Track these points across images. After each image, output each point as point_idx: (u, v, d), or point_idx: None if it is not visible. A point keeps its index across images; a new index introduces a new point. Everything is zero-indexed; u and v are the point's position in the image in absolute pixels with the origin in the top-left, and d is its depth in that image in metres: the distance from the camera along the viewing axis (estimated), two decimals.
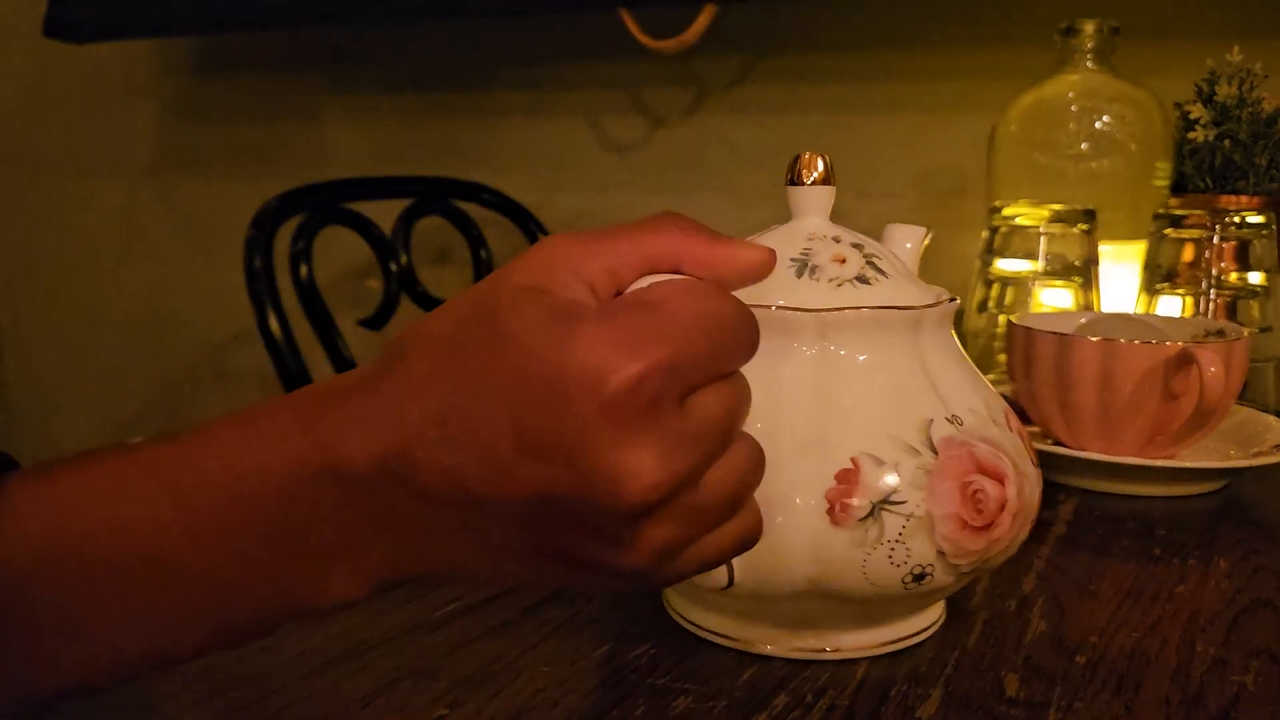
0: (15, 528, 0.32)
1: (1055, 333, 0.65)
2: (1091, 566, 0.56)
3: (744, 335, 0.33)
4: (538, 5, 1.36)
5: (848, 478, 0.39)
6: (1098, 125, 0.94)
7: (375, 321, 1.24)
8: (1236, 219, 0.85)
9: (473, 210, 1.42)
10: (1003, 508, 0.41)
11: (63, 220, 2.06)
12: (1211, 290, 0.84)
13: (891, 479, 0.39)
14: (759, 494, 0.35)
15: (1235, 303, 0.85)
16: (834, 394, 0.41)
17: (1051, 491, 0.66)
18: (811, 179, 0.45)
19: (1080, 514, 0.64)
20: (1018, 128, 0.95)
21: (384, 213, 1.33)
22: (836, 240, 0.43)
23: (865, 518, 0.39)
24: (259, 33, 1.67)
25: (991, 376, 0.55)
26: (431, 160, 1.61)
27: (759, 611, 0.44)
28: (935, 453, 0.40)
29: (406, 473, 0.32)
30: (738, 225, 1.31)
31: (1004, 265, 0.88)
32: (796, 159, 0.45)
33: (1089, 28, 0.93)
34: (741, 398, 0.34)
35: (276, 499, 0.32)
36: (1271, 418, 0.71)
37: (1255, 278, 0.84)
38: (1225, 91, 0.89)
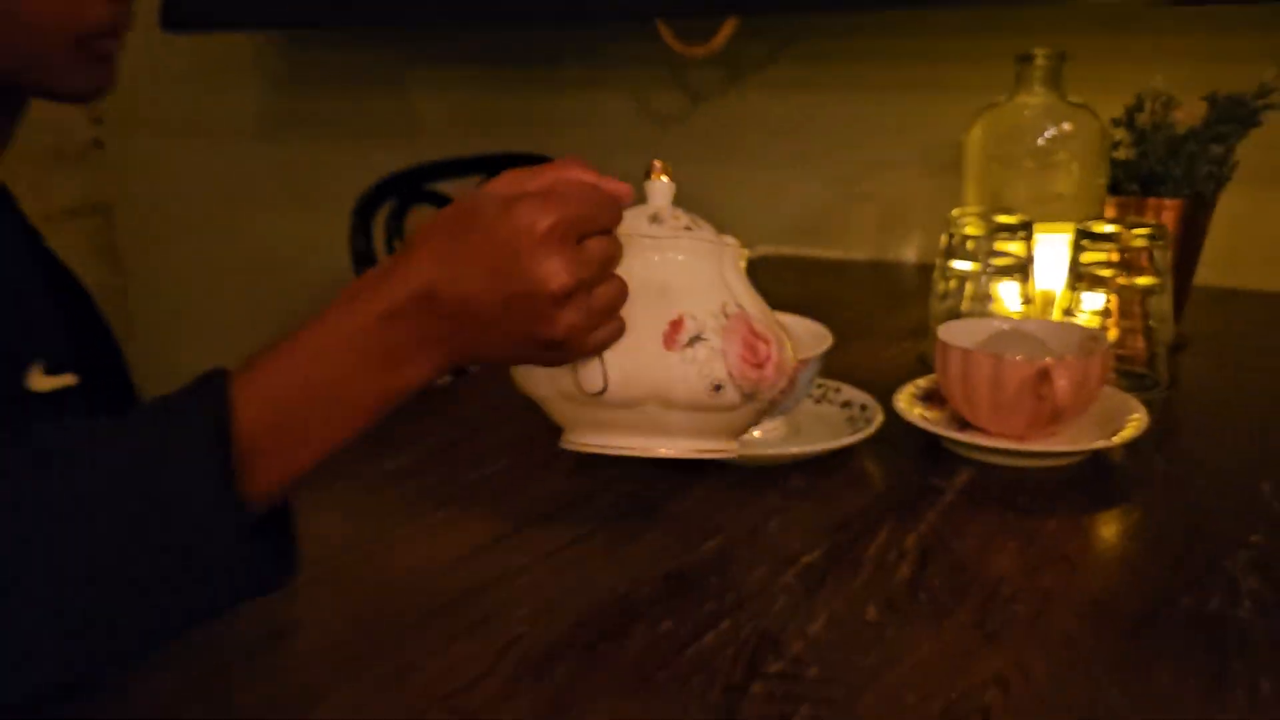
0: (252, 388, 0.50)
1: (961, 348, 0.77)
2: (971, 513, 0.71)
3: (610, 210, 0.55)
4: (586, 14, 1.45)
5: (676, 324, 0.58)
6: (1043, 141, 1.01)
7: None
8: (1137, 233, 0.89)
9: None
10: (768, 358, 0.60)
11: (182, 176, 2.19)
12: (1118, 290, 0.90)
13: (700, 327, 0.58)
14: (627, 332, 0.57)
15: (1146, 298, 0.91)
16: (670, 282, 0.60)
17: (955, 460, 0.79)
18: (660, 178, 0.64)
19: (973, 480, 0.76)
20: (980, 144, 1.04)
21: (462, 189, 1.46)
22: (674, 215, 0.63)
23: (685, 346, 0.58)
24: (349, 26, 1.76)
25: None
26: (500, 127, 1.75)
27: (625, 421, 0.61)
28: (727, 318, 0.59)
29: (431, 303, 0.52)
30: (767, 190, 1.50)
31: (957, 265, 0.96)
32: (651, 166, 0.65)
33: (1040, 56, 1.00)
34: (615, 248, 0.56)
35: (373, 334, 0.52)
36: (1136, 402, 0.80)
37: (1153, 279, 0.90)
38: (1143, 119, 0.99)
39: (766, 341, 0.62)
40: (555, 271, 0.52)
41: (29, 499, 0.46)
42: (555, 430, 0.66)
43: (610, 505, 0.74)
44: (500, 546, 0.69)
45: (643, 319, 0.59)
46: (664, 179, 0.64)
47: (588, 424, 0.63)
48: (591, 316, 0.56)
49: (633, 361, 0.59)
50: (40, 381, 0.66)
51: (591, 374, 0.59)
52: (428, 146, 1.70)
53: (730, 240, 0.65)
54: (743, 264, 0.65)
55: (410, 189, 1.38)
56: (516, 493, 0.77)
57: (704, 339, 0.59)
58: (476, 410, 0.92)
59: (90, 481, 0.47)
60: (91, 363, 0.74)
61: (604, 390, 0.59)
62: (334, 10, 1.59)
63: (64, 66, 0.69)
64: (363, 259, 1.31)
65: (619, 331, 0.58)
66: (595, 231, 0.55)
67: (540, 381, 0.63)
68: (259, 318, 2.11)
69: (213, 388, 0.49)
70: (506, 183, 0.55)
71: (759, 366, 0.60)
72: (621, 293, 0.57)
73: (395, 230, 1.36)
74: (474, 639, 0.58)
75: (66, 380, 0.68)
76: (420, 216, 1.39)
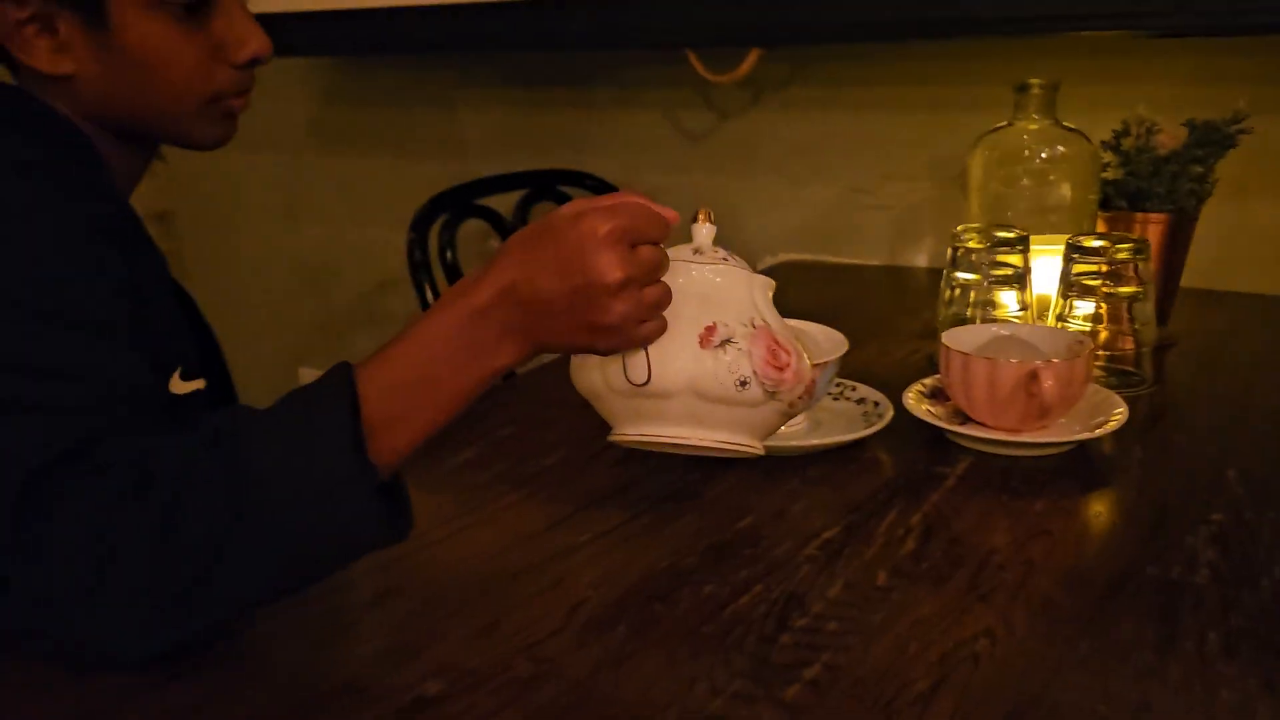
0: (372, 379, 0.56)
1: (961, 352, 0.81)
2: (969, 495, 0.75)
3: (659, 225, 0.60)
4: (619, 41, 1.46)
5: (710, 329, 0.62)
6: (1039, 162, 1.04)
7: None
8: (1122, 247, 0.92)
9: (576, 193, 1.50)
10: (789, 364, 0.63)
11: (240, 187, 2.17)
12: (1105, 298, 0.93)
13: (730, 332, 0.62)
14: (669, 333, 0.61)
15: (1131, 304, 0.93)
16: (707, 295, 0.63)
17: (956, 450, 0.83)
18: (704, 224, 0.67)
19: (972, 467, 0.80)
20: (981, 165, 1.06)
21: (507, 202, 1.48)
22: (714, 250, 0.66)
23: (717, 346, 0.61)
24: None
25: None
26: (538, 144, 1.74)
27: (664, 412, 0.64)
28: (754, 328, 0.62)
29: (512, 299, 0.58)
30: (789, 200, 1.57)
31: (961, 275, 0.99)
32: (696, 214, 0.68)
33: (1035, 86, 1.02)
34: (662, 257, 0.61)
35: (465, 329, 0.58)
36: (1119, 399, 0.83)
37: (1136, 288, 0.92)
38: (1128, 143, 1.02)
39: (788, 352, 0.65)
40: (611, 266, 0.57)
41: (218, 471, 0.53)
42: (603, 428, 0.68)
43: (654, 491, 0.77)
44: (562, 526, 0.72)
45: (683, 323, 0.63)
46: (707, 224, 0.68)
47: (632, 416, 0.66)
48: (640, 309, 0.60)
49: (673, 357, 0.62)
50: (179, 386, 0.71)
51: (638, 366, 0.62)
52: (473, 161, 1.72)
53: (761, 275, 0.68)
54: (770, 294, 0.68)
55: (462, 204, 1.40)
56: (572, 482, 0.80)
57: (733, 342, 0.63)
58: (532, 410, 0.94)
59: (258, 457, 0.53)
60: (207, 366, 0.81)
61: (648, 381, 0.62)
62: (387, 40, 1.60)
63: (195, 121, 0.74)
64: (419, 267, 1.33)
65: (662, 328, 0.62)
66: (647, 241, 0.60)
67: (594, 377, 0.66)
68: (313, 319, 2.15)
69: (342, 379, 0.56)
70: (576, 203, 0.60)
71: (780, 370, 0.64)
72: (666, 295, 0.62)
73: (449, 242, 1.38)
74: (547, 601, 0.62)
75: (198, 384, 0.75)
76: (470, 229, 1.44)
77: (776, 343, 0.65)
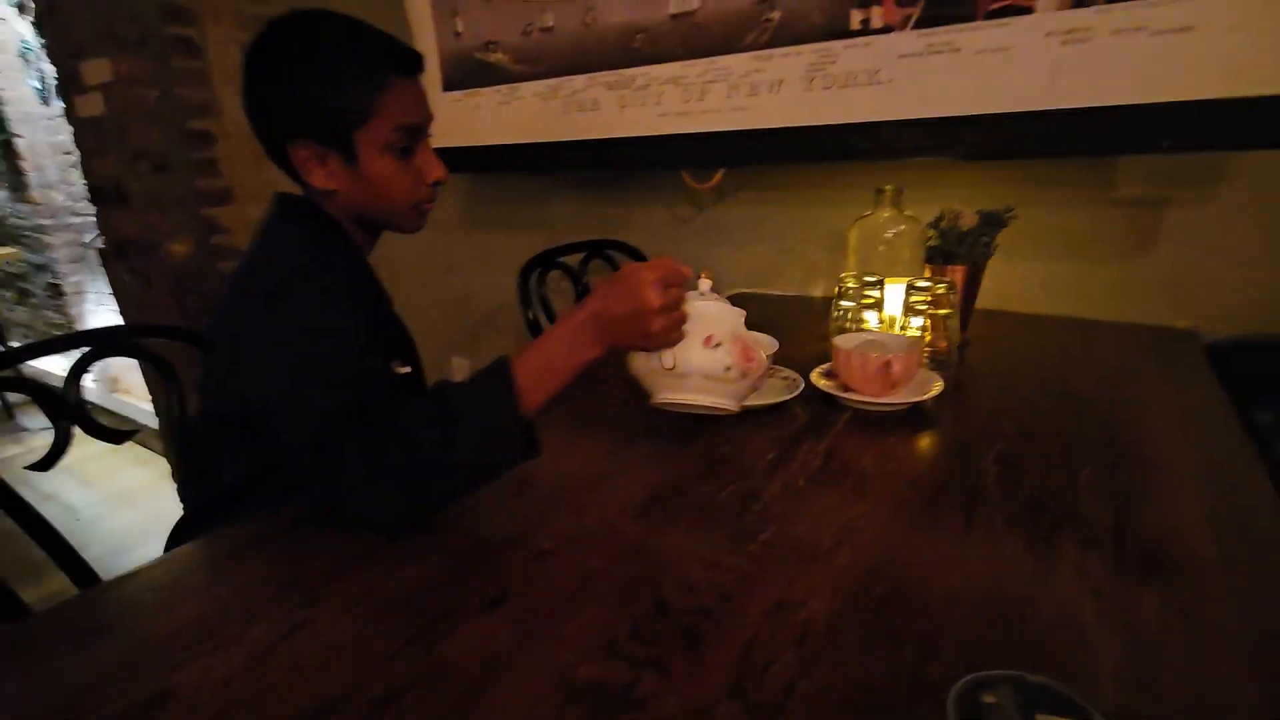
0: (520, 364, 0.58)
1: (844, 349, 0.80)
2: (850, 434, 0.74)
3: (680, 275, 0.61)
4: (645, 165, 1.42)
5: (709, 337, 0.63)
6: (889, 235, 1.01)
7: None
8: (940, 285, 0.91)
9: (618, 255, 1.52)
10: (754, 359, 0.65)
11: (414, 251, 2.05)
12: (929, 316, 0.91)
13: (721, 339, 0.63)
14: (686, 339, 0.62)
15: (945, 320, 0.91)
16: (708, 319, 0.64)
17: (842, 408, 0.80)
18: (705, 280, 0.68)
19: (852, 418, 0.78)
20: (855, 237, 1.04)
21: (575, 259, 1.45)
22: (713, 294, 0.66)
23: (713, 347, 0.63)
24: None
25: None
26: (595, 224, 1.70)
27: (681, 384, 0.64)
28: (734, 339, 0.63)
29: (596, 318, 0.59)
30: (741, 256, 1.54)
31: (844, 303, 0.96)
32: (701, 273, 0.68)
33: (888, 189, 1.01)
34: (682, 295, 0.62)
35: (569, 335, 0.59)
36: (938, 376, 0.81)
37: (948, 310, 0.91)
38: (944, 223, 1.01)
39: (753, 351, 0.66)
40: (654, 298, 0.59)
41: (437, 418, 0.54)
42: (642, 397, 0.69)
43: (671, 433, 0.76)
44: (614, 453, 0.72)
45: (694, 334, 0.64)
46: (707, 280, 0.68)
47: (663, 388, 0.66)
48: (670, 324, 0.62)
49: (688, 352, 0.64)
50: (399, 369, 0.75)
51: (668, 358, 0.64)
52: (557, 234, 1.70)
53: (739, 310, 0.69)
54: (743, 319, 0.68)
55: (548, 261, 1.38)
56: (621, 426, 0.78)
57: (722, 345, 0.64)
58: (600, 388, 0.91)
59: (461, 408, 0.55)
60: (412, 357, 0.83)
61: (673, 367, 0.64)
62: (508, 163, 1.57)
63: (404, 217, 0.74)
64: (523, 299, 1.31)
65: (682, 337, 0.63)
66: (674, 284, 0.61)
67: (640, 365, 0.66)
68: (459, 329, 2.11)
69: (506, 365, 0.58)
70: (633, 264, 0.62)
71: (749, 362, 0.65)
72: (684, 317, 0.63)
73: (539, 283, 1.36)
74: (613, 495, 0.63)
75: (407, 369, 0.76)
76: (553, 275, 1.40)
77: (747, 346, 0.66)
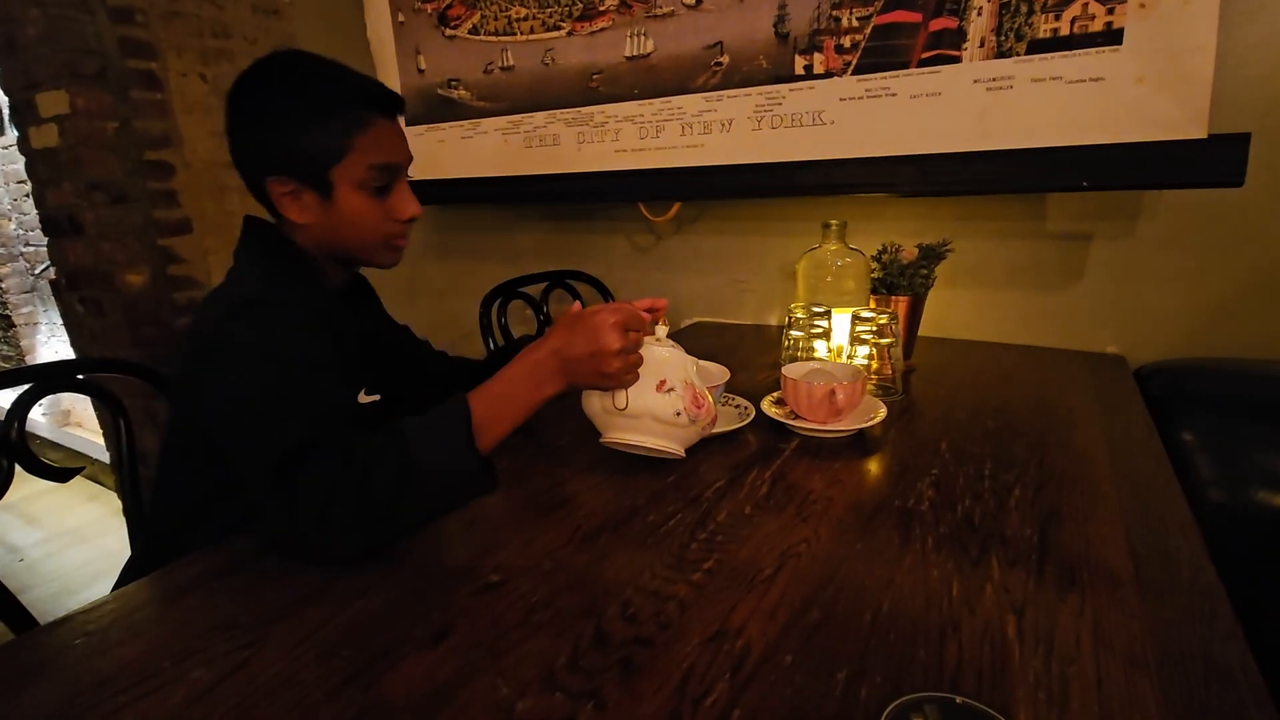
0: (477, 400, 0.58)
1: (793, 378, 0.80)
2: (798, 460, 0.74)
3: (641, 321, 0.63)
4: (604, 198, 1.43)
5: (662, 382, 0.64)
6: (836, 267, 1.03)
7: (536, 335, 1.19)
8: (883, 315, 0.92)
9: (579, 285, 1.52)
10: (703, 405, 0.66)
11: (386, 279, 2.08)
12: (874, 345, 0.93)
13: (673, 384, 0.64)
14: (640, 382, 0.63)
15: (889, 349, 0.92)
16: (662, 363, 0.65)
17: (791, 434, 0.81)
18: (662, 326, 0.69)
19: (800, 444, 0.78)
20: (805, 269, 1.06)
21: (537, 289, 1.44)
22: (668, 340, 0.67)
23: (665, 391, 0.64)
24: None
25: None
26: (557, 253, 1.70)
27: (632, 426, 0.64)
28: (685, 384, 0.64)
29: (556, 356, 0.61)
30: (696, 286, 1.55)
31: (793, 333, 0.98)
32: (658, 318, 0.68)
33: (834, 223, 1.03)
34: (640, 340, 0.63)
35: (530, 372, 0.60)
36: (882, 404, 0.81)
37: (891, 339, 0.93)
38: (886, 256, 1.03)
39: (703, 398, 0.67)
40: (614, 340, 0.61)
41: (393, 453, 0.54)
42: (594, 434, 0.69)
43: (621, 462, 0.75)
44: (564, 483, 0.71)
45: (648, 377, 0.65)
46: (664, 328, 0.70)
47: (614, 428, 0.67)
48: (626, 367, 0.62)
49: (640, 394, 0.65)
50: (364, 398, 0.74)
51: (621, 398, 0.64)
52: (522, 264, 1.70)
53: (692, 357, 0.70)
54: (695, 366, 0.69)
55: (510, 291, 1.39)
56: (573, 457, 0.77)
57: (674, 390, 0.65)
58: (554, 424, 0.89)
59: (416, 443, 0.55)
60: (392, 386, 0.77)
61: (625, 408, 0.65)
62: (474, 195, 1.57)
63: (376, 252, 0.74)
64: (485, 327, 1.31)
65: (636, 379, 0.64)
66: (634, 329, 0.63)
67: (594, 404, 0.67)
68: (438, 342, 2.10)
69: (462, 402, 0.58)
70: (598, 305, 0.63)
71: (699, 409, 0.66)
72: (639, 360, 0.64)
73: (502, 312, 1.35)
74: (554, 528, 0.62)
75: (375, 398, 0.76)
76: (515, 305, 1.39)
77: (696, 393, 0.67)
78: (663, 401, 0.64)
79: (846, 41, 1.13)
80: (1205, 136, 0.94)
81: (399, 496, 0.53)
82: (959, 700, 0.39)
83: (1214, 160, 0.93)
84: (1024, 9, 0.99)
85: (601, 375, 0.62)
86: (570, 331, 0.61)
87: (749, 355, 1.19)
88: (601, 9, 1.33)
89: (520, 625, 0.48)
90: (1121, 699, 0.39)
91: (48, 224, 1.85)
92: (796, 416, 0.82)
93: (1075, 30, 0.98)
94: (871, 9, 1.09)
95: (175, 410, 0.69)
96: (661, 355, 0.66)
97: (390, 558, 0.58)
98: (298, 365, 0.59)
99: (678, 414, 0.65)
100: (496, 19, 1.47)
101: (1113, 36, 0.97)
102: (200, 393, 0.60)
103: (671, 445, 0.66)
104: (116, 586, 0.66)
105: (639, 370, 0.64)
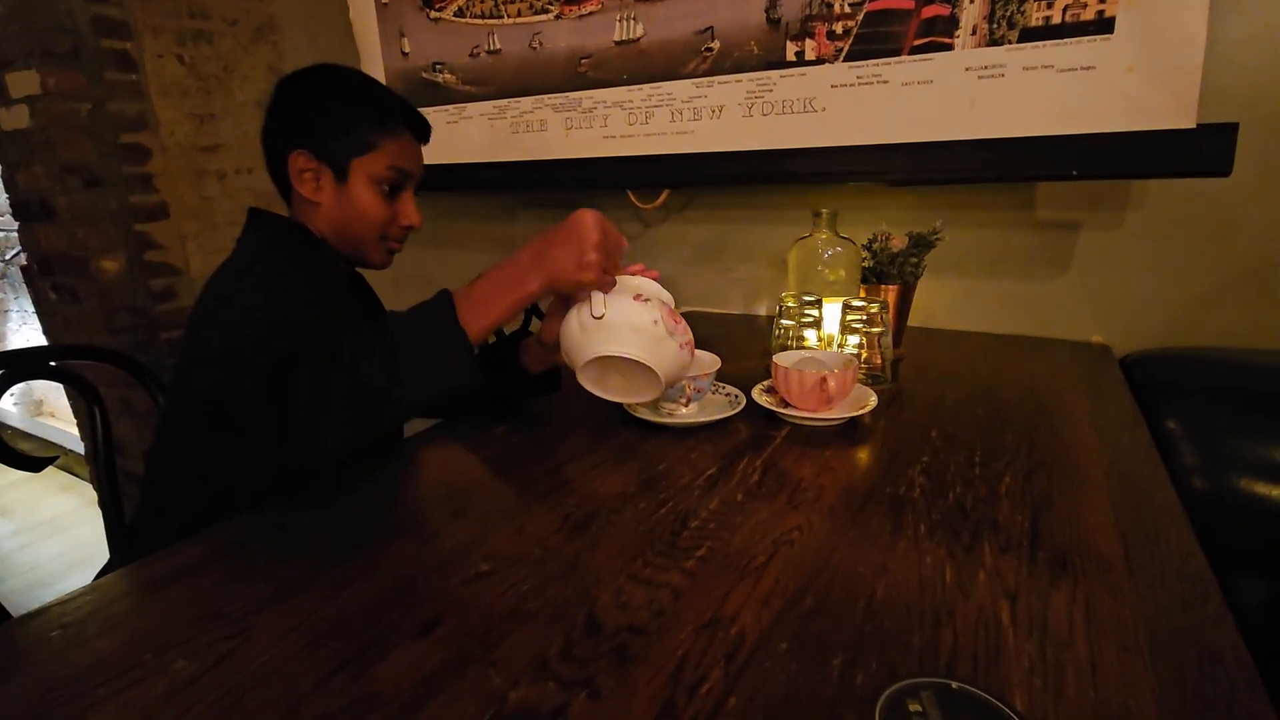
0: (461, 294, 0.59)
1: (784, 366, 0.79)
2: (789, 449, 0.73)
3: (617, 236, 0.65)
4: (594, 185, 1.42)
5: (639, 295, 0.67)
6: (827, 256, 1.03)
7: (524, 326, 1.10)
8: (873, 304, 0.91)
9: None
10: (679, 321, 0.68)
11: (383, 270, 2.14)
12: (864, 334, 0.93)
13: (650, 298, 0.67)
14: (618, 296, 0.64)
15: (879, 337, 0.93)
16: (640, 287, 0.68)
17: (782, 422, 0.80)
18: (635, 266, 0.71)
19: (791, 433, 0.78)
20: (796, 258, 1.06)
21: None
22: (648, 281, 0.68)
23: (642, 302, 0.65)
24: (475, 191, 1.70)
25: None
26: None
27: (613, 337, 0.64)
28: (663, 303, 0.66)
29: (536, 252, 0.62)
30: (686, 275, 1.56)
31: (784, 321, 0.98)
32: (638, 267, 0.71)
33: (824, 212, 1.03)
34: (618, 241, 0.65)
35: (512, 268, 0.61)
36: (872, 392, 0.81)
37: (881, 328, 0.93)
38: (877, 245, 1.03)
39: (680, 320, 0.69)
40: (593, 231, 0.62)
41: (379, 343, 0.55)
42: (585, 418, 0.67)
43: (613, 447, 0.75)
44: (553, 472, 0.70)
45: (626, 293, 0.67)
46: (639, 266, 0.72)
47: (591, 344, 0.66)
48: (605, 261, 0.64)
49: (618, 305, 0.65)
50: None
51: (598, 304, 0.65)
52: (508, 251, 1.61)
53: (666, 290, 0.72)
54: (671, 300, 0.72)
55: None
56: (561, 447, 0.77)
57: (650, 302, 0.66)
58: (544, 411, 0.89)
59: (400, 333, 0.56)
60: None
61: (603, 315, 0.65)
62: (474, 181, 1.55)
63: (372, 248, 0.80)
64: None
65: (614, 281, 0.66)
66: (612, 236, 0.65)
67: (572, 324, 0.67)
68: None
69: (445, 295, 0.60)
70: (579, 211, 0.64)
71: (675, 321, 0.67)
72: (620, 255, 0.66)
73: None
74: (544, 517, 0.61)
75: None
76: None
77: (673, 312, 0.68)
78: (640, 310, 0.65)
79: (839, 28, 1.12)
80: (1194, 126, 0.94)
81: (388, 382, 0.54)
82: (955, 685, 0.39)
83: (1202, 150, 0.94)
84: None
85: (581, 265, 0.62)
86: (550, 231, 0.63)
87: (738, 345, 1.18)
88: None
89: (511, 614, 0.47)
90: (1116, 682, 0.39)
91: (18, 208, 1.80)
92: (787, 405, 0.82)
93: (1067, 19, 0.98)
94: None
95: (171, 397, 0.71)
96: (638, 280, 0.69)
97: (379, 550, 0.56)
98: (295, 292, 0.65)
99: (655, 322, 0.65)
100: (483, 1, 1.45)
101: (1104, 25, 0.97)
102: (203, 349, 0.63)
103: (649, 358, 0.66)
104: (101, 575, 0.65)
105: (615, 289, 0.66)
